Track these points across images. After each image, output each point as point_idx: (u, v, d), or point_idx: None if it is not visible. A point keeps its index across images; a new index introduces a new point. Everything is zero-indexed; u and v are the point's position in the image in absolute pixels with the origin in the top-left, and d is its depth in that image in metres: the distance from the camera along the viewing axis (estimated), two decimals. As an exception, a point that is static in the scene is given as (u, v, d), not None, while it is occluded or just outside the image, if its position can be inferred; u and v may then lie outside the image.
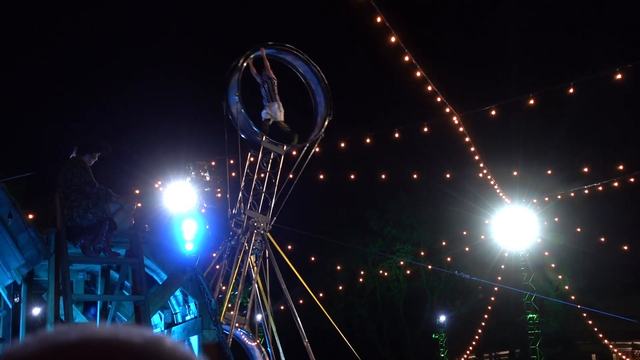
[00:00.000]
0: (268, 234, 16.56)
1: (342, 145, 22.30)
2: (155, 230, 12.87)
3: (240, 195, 16.57)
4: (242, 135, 16.65)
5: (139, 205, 13.09)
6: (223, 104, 16.48)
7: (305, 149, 17.42)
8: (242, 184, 16.53)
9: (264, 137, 16.47)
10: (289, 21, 42.28)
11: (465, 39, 46.12)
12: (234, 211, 16.61)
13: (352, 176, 25.50)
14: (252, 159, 16.90)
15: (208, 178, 18.20)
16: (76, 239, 9.65)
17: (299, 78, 18.01)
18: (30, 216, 18.17)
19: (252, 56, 16.82)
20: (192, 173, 17.97)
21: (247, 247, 16.16)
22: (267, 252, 16.57)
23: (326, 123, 17.50)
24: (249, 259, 16.26)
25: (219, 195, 18.10)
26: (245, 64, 16.53)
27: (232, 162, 17.52)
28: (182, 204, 17.36)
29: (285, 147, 16.97)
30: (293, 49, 17.45)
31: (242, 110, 16.23)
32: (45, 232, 9.81)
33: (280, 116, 16.91)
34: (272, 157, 16.95)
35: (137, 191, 19.29)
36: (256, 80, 17.00)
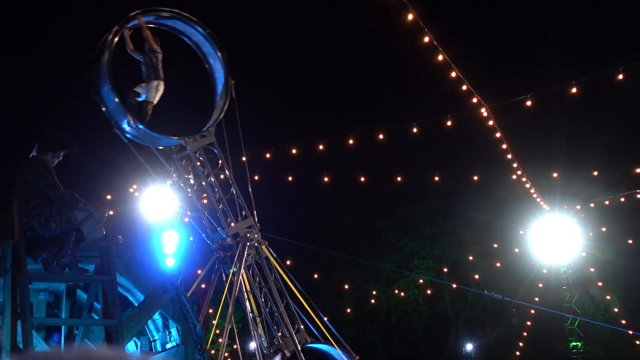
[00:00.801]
0: (264, 247, 16.53)
1: (350, 142, 22.28)
2: (130, 243, 12.86)
3: (201, 212, 16.46)
4: (158, 146, 16.35)
5: (111, 212, 13.08)
6: (96, 99, 15.41)
7: (214, 127, 16.80)
8: (193, 192, 16.40)
9: (186, 139, 16.02)
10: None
11: (495, 17, 46.02)
12: (209, 232, 16.59)
13: (362, 179, 25.48)
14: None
15: (192, 181, 18.17)
16: (37, 252, 9.64)
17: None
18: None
19: (127, 27, 15.91)
20: (174, 175, 17.95)
21: (238, 264, 16.13)
22: (266, 270, 16.53)
23: (231, 91, 16.94)
24: (240, 276, 16.23)
25: (205, 201, 18.08)
26: (116, 39, 15.48)
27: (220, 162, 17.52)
28: (161, 212, 17.35)
29: (210, 129, 16.47)
30: (177, 12, 16.70)
31: (150, 133, 15.56)
32: (1, 245, 9.81)
33: (155, 97, 16.26)
34: (186, 153, 16.51)
35: (109, 196, 19.30)
36: (134, 57, 16.23)
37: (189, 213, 17.46)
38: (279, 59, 45.36)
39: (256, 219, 16.60)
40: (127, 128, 15.46)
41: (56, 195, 9.74)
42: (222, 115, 16.58)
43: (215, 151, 16.47)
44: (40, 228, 9.58)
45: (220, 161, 16.50)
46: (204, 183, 16.32)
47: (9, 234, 9.82)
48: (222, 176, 16.65)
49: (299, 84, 46.47)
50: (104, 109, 15.38)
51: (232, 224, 16.32)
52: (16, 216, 9.69)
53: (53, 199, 9.70)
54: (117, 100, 15.07)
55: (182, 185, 16.83)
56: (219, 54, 17.02)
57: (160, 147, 16.32)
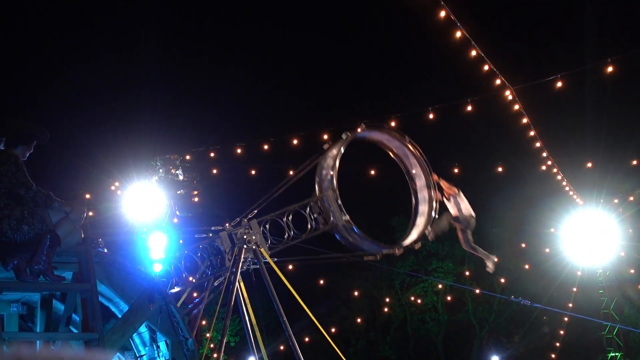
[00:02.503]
0: (262, 250, 16.52)
1: (359, 130, 22.25)
2: (112, 247, 12.87)
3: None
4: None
5: (90, 213, 13.08)
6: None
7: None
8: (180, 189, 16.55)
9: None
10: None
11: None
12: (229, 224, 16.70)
13: (372, 172, 25.44)
14: None
15: (181, 177, 18.18)
16: (7, 258, 9.60)
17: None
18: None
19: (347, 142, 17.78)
20: (160, 170, 17.95)
21: (234, 270, 16.12)
22: (263, 276, 16.53)
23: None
24: (237, 283, 16.22)
25: (196, 199, 18.07)
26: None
27: (212, 154, 17.52)
28: (147, 212, 17.35)
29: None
30: (386, 127, 18.04)
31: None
32: (-33, 251, 9.79)
33: None
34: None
35: (88, 195, 19.29)
36: None
37: (178, 213, 17.45)
38: (281, 34, 45.41)
39: (262, 228, 16.74)
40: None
41: (28, 194, 9.71)
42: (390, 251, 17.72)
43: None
44: (10, 231, 9.55)
45: None
46: None
47: (-25, 239, 9.79)
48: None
49: (301, 62, 46.50)
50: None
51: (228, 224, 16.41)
52: (-18, 219, 9.66)
53: (25, 199, 9.66)
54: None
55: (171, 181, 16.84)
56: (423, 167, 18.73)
57: None
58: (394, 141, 18.13)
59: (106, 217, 18.45)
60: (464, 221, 18.44)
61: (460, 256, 37.92)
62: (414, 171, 18.59)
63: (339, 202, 16.72)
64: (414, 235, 17.98)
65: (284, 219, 16.99)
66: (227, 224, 16.42)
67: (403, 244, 17.84)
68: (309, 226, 17.17)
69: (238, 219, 16.67)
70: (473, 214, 18.43)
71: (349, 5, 45.37)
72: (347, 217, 16.91)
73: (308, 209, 17.31)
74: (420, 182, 18.56)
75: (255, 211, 16.89)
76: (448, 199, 18.48)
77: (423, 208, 18.54)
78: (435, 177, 18.23)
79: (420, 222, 18.21)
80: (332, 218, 17.15)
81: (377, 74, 46.40)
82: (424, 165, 18.42)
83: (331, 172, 16.87)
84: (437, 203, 18.36)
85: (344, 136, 17.24)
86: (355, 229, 16.75)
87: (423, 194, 18.58)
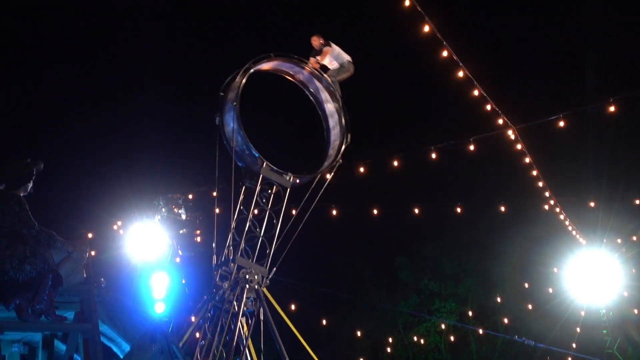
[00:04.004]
0: (264, 290, 16.47)
1: (362, 170, 22.25)
2: (115, 286, 12.83)
3: (229, 239, 16.44)
4: (238, 162, 16.63)
5: (93, 253, 13.06)
6: (216, 118, 16.62)
7: (315, 181, 17.42)
8: (233, 224, 16.40)
9: (264, 164, 16.43)
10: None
11: (522, 29, 46.13)
12: (221, 259, 16.49)
13: (375, 211, 25.41)
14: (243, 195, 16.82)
15: (184, 216, 18.21)
16: (9, 298, 9.58)
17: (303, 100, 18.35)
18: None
19: (260, 64, 17.15)
20: (163, 210, 17.97)
21: (236, 308, 16.05)
22: (262, 313, 16.45)
23: (343, 147, 17.62)
24: (239, 324, 16.16)
25: (198, 239, 18.08)
26: (249, 72, 16.77)
27: (214, 194, 17.52)
28: (149, 252, 17.34)
29: (291, 177, 16.96)
30: (301, 59, 17.74)
31: (240, 128, 16.26)
32: (-32, 290, 9.76)
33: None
34: (274, 190, 16.87)
35: (90, 234, 19.29)
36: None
37: (180, 252, 17.44)
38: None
39: (270, 275, 16.66)
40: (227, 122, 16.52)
41: (30, 233, 9.71)
42: (306, 181, 17.21)
43: (281, 193, 16.81)
44: (12, 270, 9.54)
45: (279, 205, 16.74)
46: (251, 214, 16.41)
47: (-22, 278, 9.77)
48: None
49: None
50: (222, 94, 16.72)
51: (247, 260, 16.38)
52: (-15, 258, 9.65)
53: (27, 238, 9.66)
54: (237, 87, 16.42)
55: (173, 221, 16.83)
56: (344, 130, 17.75)
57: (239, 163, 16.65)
58: (295, 67, 17.97)
59: (109, 256, 18.44)
60: (344, 69, 18.21)
61: (463, 296, 37.80)
62: (321, 97, 18.33)
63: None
64: (325, 164, 17.71)
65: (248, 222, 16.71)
66: (232, 263, 16.32)
67: (319, 170, 17.49)
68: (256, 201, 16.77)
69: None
70: (349, 58, 18.20)
71: (350, 42, 45.54)
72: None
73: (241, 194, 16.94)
74: (329, 106, 18.31)
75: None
76: (324, 60, 18.17)
77: (335, 133, 18.21)
78: (313, 64, 17.83)
79: (334, 148, 17.91)
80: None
81: (379, 113, 46.52)
82: (330, 89, 18.12)
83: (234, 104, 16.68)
84: (348, 122, 17.98)
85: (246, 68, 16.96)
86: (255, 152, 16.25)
87: (334, 119, 18.30)
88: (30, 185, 10.24)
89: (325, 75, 17.91)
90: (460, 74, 19.52)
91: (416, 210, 26.59)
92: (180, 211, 17.99)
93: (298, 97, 18.52)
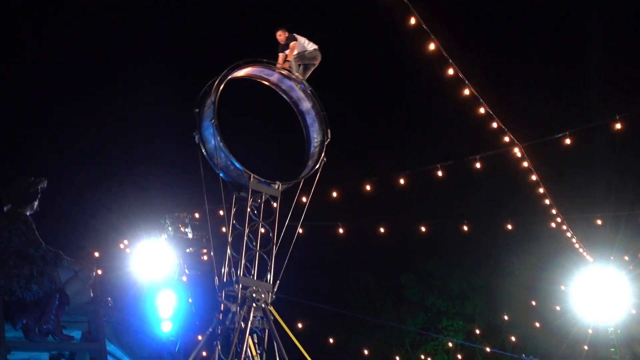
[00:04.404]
0: (271, 308, 16.41)
1: (367, 188, 22.24)
2: (122, 306, 12.82)
3: (227, 257, 16.35)
4: (225, 178, 16.55)
5: (99, 272, 13.05)
6: (195, 136, 16.37)
7: (300, 185, 17.26)
8: (230, 238, 16.33)
9: (252, 177, 16.34)
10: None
11: (527, 46, 46.18)
12: (223, 279, 16.41)
13: (382, 229, 25.39)
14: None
15: (190, 235, 18.20)
16: (17, 318, 9.58)
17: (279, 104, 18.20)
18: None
19: (233, 75, 16.85)
20: (170, 229, 17.97)
21: (243, 327, 16.00)
22: (270, 332, 16.38)
23: (325, 144, 17.47)
24: (246, 342, 16.10)
25: (205, 257, 18.06)
26: (222, 86, 16.46)
27: (221, 213, 17.49)
28: (156, 270, 17.33)
29: (280, 185, 16.84)
30: (270, 62, 17.50)
31: (221, 143, 16.15)
32: (-25, 310, 9.75)
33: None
34: (263, 199, 16.76)
35: (97, 253, 19.28)
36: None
37: (187, 271, 17.42)
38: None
39: (275, 289, 16.51)
40: (208, 138, 16.09)
41: (37, 252, 9.71)
42: (294, 184, 16.99)
43: (274, 205, 16.55)
44: (19, 290, 9.54)
45: (273, 217, 16.56)
46: (247, 231, 16.26)
47: (-16, 299, 9.76)
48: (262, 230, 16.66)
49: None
50: (197, 110, 16.24)
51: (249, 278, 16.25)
52: (-8, 278, 9.64)
53: (34, 257, 9.67)
54: (213, 100, 16.03)
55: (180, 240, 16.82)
56: (323, 126, 17.60)
57: (225, 178, 16.51)
58: (266, 70, 17.79)
59: (115, 275, 18.42)
60: (311, 56, 17.96)
61: (470, 314, 37.67)
62: (301, 107, 18.15)
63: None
64: (310, 164, 17.51)
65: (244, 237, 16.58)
66: (237, 285, 16.23)
67: (301, 176, 17.26)
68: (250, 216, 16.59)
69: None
70: (315, 46, 17.96)
71: (355, 60, 45.60)
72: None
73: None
74: (304, 104, 18.13)
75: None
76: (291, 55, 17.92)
77: (314, 130, 18.02)
78: (281, 61, 17.58)
79: (316, 146, 17.71)
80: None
81: (385, 130, 46.53)
82: (302, 87, 17.93)
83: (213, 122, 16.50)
84: (325, 118, 17.79)
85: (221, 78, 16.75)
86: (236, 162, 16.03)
87: (311, 115, 18.10)
88: (36, 203, 10.27)
89: (296, 74, 17.77)
90: (466, 91, 19.53)
91: (423, 228, 26.57)
92: (186, 230, 17.97)
93: (273, 100, 18.45)
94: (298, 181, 17.07)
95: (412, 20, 17.66)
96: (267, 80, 17.89)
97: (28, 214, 10.14)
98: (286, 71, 17.50)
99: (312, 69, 17.75)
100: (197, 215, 18.36)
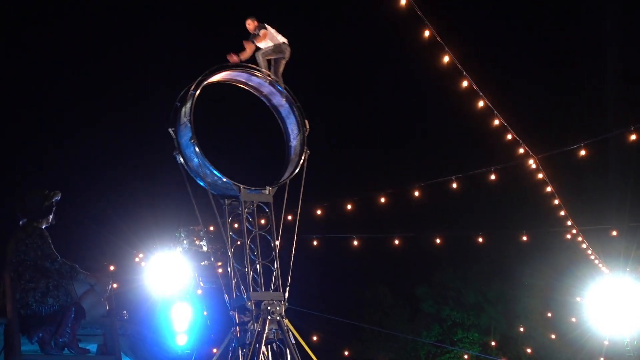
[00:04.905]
0: (287, 321, 16.35)
1: (382, 200, 22.23)
2: (137, 319, 12.82)
3: (231, 272, 16.26)
4: (214, 192, 16.40)
5: (115, 285, 13.05)
6: (177, 156, 15.98)
7: (275, 188, 16.99)
8: (230, 252, 16.23)
9: (241, 188, 16.19)
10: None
11: (542, 56, 46.07)
12: (233, 296, 16.32)
13: (397, 241, 25.36)
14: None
15: (205, 248, 18.17)
16: (33, 331, 9.59)
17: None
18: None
19: (209, 80, 16.59)
20: (184, 242, 17.98)
21: (259, 340, 15.93)
22: (285, 343, 16.32)
23: (305, 135, 17.24)
24: (262, 355, 16.06)
25: (220, 270, 18.03)
26: (198, 92, 16.13)
27: (236, 226, 17.48)
28: (171, 284, 17.33)
29: (270, 190, 16.66)
30: (252, 67, 17.20)
31: (206, 161, 15.88)
32: (-8, 324, 9.78)
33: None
34: (255, 206, 16.57)
35: (112, 267, 19.28)
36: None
37: (202, 284, 17.40)
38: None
39: (286, 297, 16.39)
40: (190, 156, 15.73)
41: (53, 266, 9.73)
42: (283, 181, 16.74)
43: (267, 210, 16.42)
44: (35, 304, 9.56)
45: (269, 224, 16.41)
46: (245, 243, 16.16)
47: (0, 312, 9.78)
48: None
49: (320, 138, 46.56)
50: (172, 130, 15.89)
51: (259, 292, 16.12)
52: (8, 291, 9.65)
53: (50, 271, 9.68)
54: (188, 118, 15.62)
55: (195, 252, 16.79)
56: (299, 119, 17.35)
57: (213, 192, 16.34)
58: (242, 74, 17.47)
59: (131, 288, 18.42)
60: (278, 50, 17.61)
61: (485, 326, 37.55)
62: (274, 101, 17.86)
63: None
64: (294, 159, 17.26)
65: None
66: (249, 302, 16.13)
67: (275, 183, 16.95)
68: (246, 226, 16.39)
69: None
70: (285, 40, 17.62)
71: (370, 72, 45.61)
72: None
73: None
74: (275, 98, 17.85)
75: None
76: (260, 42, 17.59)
77: (291, 122, 17.77)
78: (248, 48, 17.22)
79: (296, 139, 17.47)
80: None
81: (400, 143, 46.51)
82: (270, 80, 17.63)
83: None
84: (300, 109, 17.50)
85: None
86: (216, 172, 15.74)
87: (285, 108, 17.85)
88: (52, 217, 10.29)
89: (264, 71, 17.48)
90: (481, 103, 19.51)
91: (437, 240, 26.53)
92: (201, 243, 17.96)
93: (245, 100, 18.19)
94: (288, 178, 16.90)
95: (426, 33, 17.63)
96: (235, 80, 17.63)
97: (44, 227, 10.16)
98: (254, 68, 17.26)
99: (284, 63, 17.49)
100: (211, 228, 18.33)
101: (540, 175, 22.61)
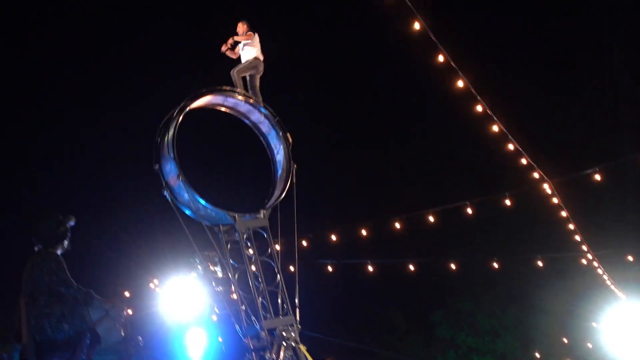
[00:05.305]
0: (302, 348, 16.27)
1: (397, 225, 22.22)
2: (152, 345, 12.81)
3: (238, 301, 16.20)
4: (208, 223, 16.27)
5: (130, 311, 13.05)
6: (166, 194, 15.72)
7: (269, 210, 16.80)
8: (234, 279, 16.12)
9: (236, 217, 16.04)
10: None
11: (555, 81, 46.03)
12: (244, 325, 16.24)
13: (412, 267, 25.32)
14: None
15: (220, 274, 18.14)
16: (48, 357, 9.58)
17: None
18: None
19: (187, 109, 16.17)
20: (199, 267, 17.96)
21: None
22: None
23: (290, 155, 17.07)
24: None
25: (235, 296, 18.00)
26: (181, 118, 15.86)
27: (251, 251, 17.46)
28: (186, 310, 17.30)
29: (263, 213, 16.50)
30: (239, 92, 17.00)
31: (197, 195, 15.66)
32: (7, 350, 9.79)
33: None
34: (252, 230, 16.43)
35: (127, 293, 19.29)
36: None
37: (216, 310, 17.37)
38: (314, 135, 45.57)
39: (298, 319, 16.29)
40: (179, 193, 15.60)
41: (68, 291, 9.72)
42: (277, 201, 16.60)
43: (265, 236, 16.33)
44: (50, 330, 9.55)
45: (269, 249, 16.32)
46: (247, 270, 16.07)
47: (16, 338, 9.78)
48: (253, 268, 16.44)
49: (331, 161, 46.60)
50: (157, 167, 15.63)
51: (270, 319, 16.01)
52: (23, 317, 9.66)
53: (65, 297, 9.68)
54: (172, 155, 15.32)
55: (210, 278, 16.74)
56: (280, 133, 17.20)
57: (208, 224, 16.24)
58: (219, 97, 17.13)
59: (146, 314, 18.40)
60: (251, 66, 17.30)
61: (501, 351, 37.39)
62: (253, 118, 17.56)
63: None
64: (272, 199, 16.96)
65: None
66: (263, 332, 16.06)
67: (268, 205, 16.67)
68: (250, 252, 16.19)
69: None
70: (261, 57, 17.32)
71: (383, 96, 45.69)
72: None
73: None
74: (254, 115, 17.56)
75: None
76: (241, 39, 17.33)
77: (273, 136, 17.49)
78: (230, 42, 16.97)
79: (280, 153, 17.20)
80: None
81: (414, 167, 46.50)
82: (260, 108, 17.31)
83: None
84: (281, 122, 17.22)
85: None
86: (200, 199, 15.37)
87: (265, 124, 17.57)
88: (67, 242, 10.29)
89: (239, 90, 17.23)
90: (495, 128, 19.51)
91: (452, 265, 26.50)
92: (216, 268, 17.93)
93: (224, 123, 18.03)
94: (280, 197, 16.74)
95: (441, 58, 17.65)
96: (212, 104, 17.36)
97: (59, 252, 10.17)
98: (230, 92, 17.07)
99: (259, 78, 17.30)
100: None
101: (555, 200, 22.62)
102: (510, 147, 20.21)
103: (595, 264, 26.80)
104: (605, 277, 27.83)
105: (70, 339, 9.54)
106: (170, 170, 15.46)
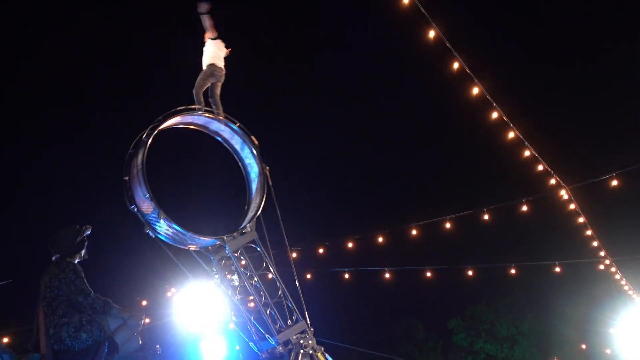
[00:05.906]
0: (320, 355, 16.27)
1: (414, 233, 22.17)
2: (170, 354, 12.82)
3: (247, 319, 16.19)
4: (196, 248, 16.19)
5: (148, 320, 13.06)
6: (149, 231, 15.41)
7: (254, 223, 16.67)
8: (237, 299, 16.10)
9: (225, 239, 15.91)
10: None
11: (570, 87, 45.94)
12: (258, 341, 16.23)
13: (429, 274, 25.27)
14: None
15: (237, 283, 18.14)
16: (65, 366, 9.61)
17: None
18: (5, 339, 18.30)
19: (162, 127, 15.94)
20: (216, 276, 17.96)
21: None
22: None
23: (259, 157, 16.90)
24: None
25: (252, 304, 18.01)
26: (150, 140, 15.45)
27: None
28: (203, 318, 17.30)
29: (249, 226, 16.39)
30: (207, 109, 16.69)
31: (181, 229, 15.49)
32: (25, 359, 9.79)
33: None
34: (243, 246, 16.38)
35: (145, 302, 19.32)
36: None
37: (234, 319, 17.36)
38: (329, 140, 45.55)
39: (309, 322, 16.28)
40: (161, 228, 15.47)
41: (86, 301, 9.74)
42: (260, 211, 16.53)
43: (258, 249, 16.30)
44: (69, 339, 9.56)
45: (265, 261, 16.30)
46: (247, 286, 16.07)
47: (34, 347, 9.80)
48: (269, 275, 16.42)
49: (351, 168, 46.58)
50: (133, 207, 15.31)
51: (283, 330, 16.00)
52: (42, 327, 9.68)
53: (83, 306, 9.70)
54: (148, 196, 14.91)
55: (225, 287, 16.73)
56: (251, 147, 17.04)
57: (197, 249, 16.19)
58: (188, 117, 16.78)
59: (163, 323, 18.43)
60: (211, 73, 16.91)
61: (519, 358, 37.31)
62: (225, 136, 17.27)
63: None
64: (252, 210, 16.80)
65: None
66: (280, 347, 16.05)
67: (250, 217, 16.49)
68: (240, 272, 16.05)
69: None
70: (219, 63, 16.95)
71: (401, 106, 45.66)
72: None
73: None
74: (225, 132, 17.28)
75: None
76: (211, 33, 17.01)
77: (242, 142, 17.20)
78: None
79: (257, 199, 16.99)
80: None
81: (430, 175, 46.47)
82: (217, 116, 16.98)
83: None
84: (244, 128, 16.91)
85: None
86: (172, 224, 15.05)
87: (226, 131, 17.28)
88: (84, 251, 10.33)
89: (197, 106, 16.96)
90: (512, 134, 19.46)
91: (470, 272, 26.42)
92: (233, 277, 17.93)
93: (188, 142, 17.83)
94: (261, 205, 16.61)
95: (456, 65, 17.63)
96: (170, 125, 17.02)
97: (77, 262, 10.20)
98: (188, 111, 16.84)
99: (220, 86, 16.99)
100: (243, 262, 18.33)
101: (572, 206, 22.54)
102: (527, 153, 20.16)
103: (614, 269, 26.69)
104: (623, 282, 27.69)
105: (89, 348, 9.55)
106: (148, 209, 15.22)
